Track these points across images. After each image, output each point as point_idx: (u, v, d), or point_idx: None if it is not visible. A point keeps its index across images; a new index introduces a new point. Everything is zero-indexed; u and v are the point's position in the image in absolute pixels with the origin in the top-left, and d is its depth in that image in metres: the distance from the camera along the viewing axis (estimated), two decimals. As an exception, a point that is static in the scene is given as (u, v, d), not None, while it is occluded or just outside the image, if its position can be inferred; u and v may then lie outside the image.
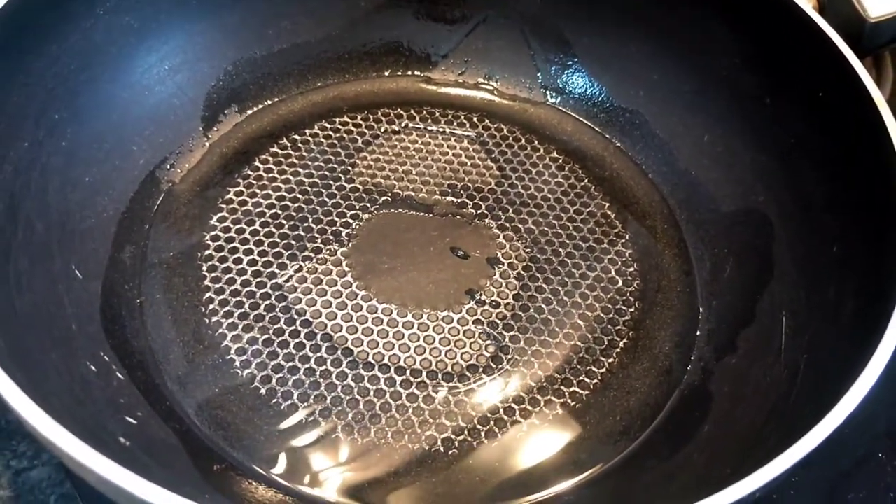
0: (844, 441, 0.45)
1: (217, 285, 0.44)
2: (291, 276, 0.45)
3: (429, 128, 0.53)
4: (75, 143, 0.44)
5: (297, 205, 0.48)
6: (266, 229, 0.47)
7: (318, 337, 0.43)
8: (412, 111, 0.54)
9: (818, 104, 0.44)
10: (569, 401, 0.42)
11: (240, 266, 0.45)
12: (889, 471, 0.45)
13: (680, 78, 0.52)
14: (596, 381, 0.43)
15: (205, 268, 0.45)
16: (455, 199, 0.50)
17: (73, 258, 0.42)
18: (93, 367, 0.38)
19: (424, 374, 0.42)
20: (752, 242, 0.46)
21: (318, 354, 0.42)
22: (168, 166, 0.49)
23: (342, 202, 0.49)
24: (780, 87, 0.47)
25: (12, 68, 0.40)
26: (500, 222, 0.49)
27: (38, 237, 0.40)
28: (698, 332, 0.45)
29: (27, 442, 0.46)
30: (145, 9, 0.47)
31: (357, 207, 0.48)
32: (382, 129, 0.53)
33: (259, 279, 0.45)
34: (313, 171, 0.50)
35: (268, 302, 0.44)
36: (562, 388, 0.42)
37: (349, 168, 0.50)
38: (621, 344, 0.44)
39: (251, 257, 0.46)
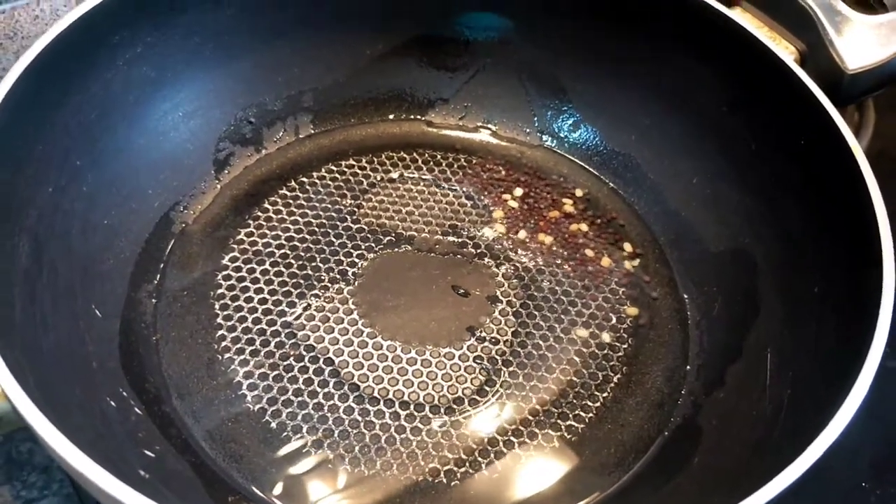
0: (830, 471, 0.47)
1: (229, 323, 0.46)
2: (300, 314, 0.47)
3: (431, 170, 0.56)
4: (95, 187, 0.45)
5: (305, 245, 0.50)
6: (275, 268, 0.49)
7: (326, 372, 0.45)
8: (415, 154, 0.57)
9: (800, 150, 0.46)
10: (565, 433, 0.44)
11: (250, 304, 0.47)
12: (873, 500, 0.47)
13: (670, 123, 0.54)
14: (591, 414, 0.45)
15: (217, 306, 0.47)
16: (456, 239, 0.52)
17: (94, 298, 0.43)
18: (112, 403, 0.40)
19: (427, 408, 0.44)
20: (739, 281, 0.48)
21: (326, 389, 0.44)
22: (181, 208, 0.51)
23: (348, 242, 0.51)
24: (764, 133, 0.49)
25: (39, 118, 0.42)
26: (498, 261, 0.51)
27: (61, 279, 0.41)
28: (688, 367, 0.47)
29: (37, 472, 0.47)
30: (162, 59, 0.49)
31: (362, 247, 0.51)
32: (386, 172, 0.55)
33: (269, 317, 0.47)
34: (320, 213, 0.52)
35: (277, 339, 0.46)
36: (558, 421, 0.44)
37: (355, 209, 0.53)
38: (615, 379, 0.46)
39: (261, 296, 0.48)
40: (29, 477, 0.46)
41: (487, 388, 0.45)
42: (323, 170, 0.55)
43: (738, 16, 0.50)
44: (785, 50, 0.50)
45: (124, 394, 0.41)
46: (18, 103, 0.40)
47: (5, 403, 0.33)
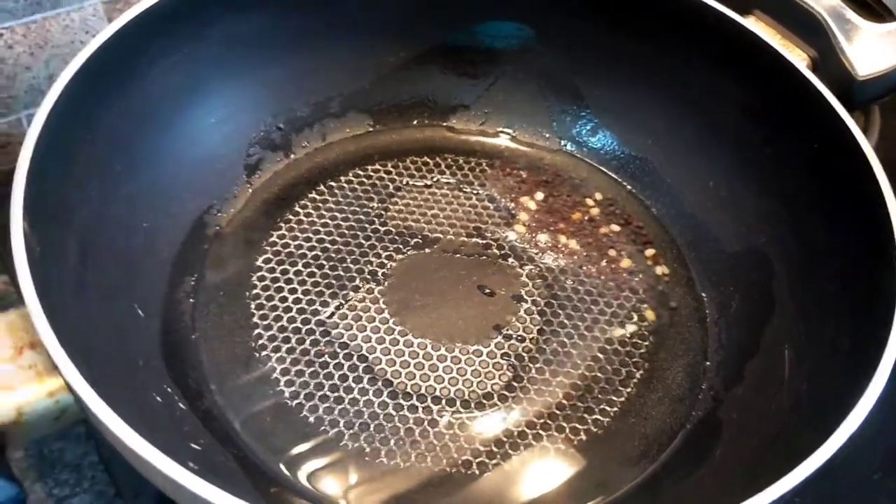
0: (843, 462, 0.49)
1: (265, 322, 0.48)
2: (333, 313, 0.48)
3: (454, 174, 0.57)
4: (135, 191, 0.47)
5: (335, 247, 0.52)
6: (308, 269, 0.51)
7: (360, 369, 0.46)
8: (438, 158, 0.58)
9: (814, 154, 0.48)
10: (591, 427, 0.45)
11: (285, 304, 0.49)
12: (885, 492, 0.49)
13: (686, 127, 0.56)
14: (615, 408, 0.46)
15: (252, 305, 0.48)
16: (480, 241, 0.53)
17: (135, 298, 0.45)
18: (158, 398, 0.41)
19: (458, 403, 0.45)
20: (756, 280, 0.50)
21: (360, 385, 0.46)
22: (215, 212, 0.52)
23: (377, 244, 0.52)
24: (778, 137, 0.51)
25: (83, 127, 0.43)
26: (522, 262, 0.53)
27: (105, 278, 0.43)
28: (708, 363, 0.49)
29: (68, 470, 0.49)
30: (196, 68, 0.51)
31: (391, 249, 0.52)
32: (411, 176, 0.57)
33: (303, 315, 0.48)
34: (349, 216, 0.54)
35: (312, 337, 0.47)
36: (584, 415, 0.46)
37: (382, 212, 0.54)
38: (637, 375, 0.48)
39: (295, 295, 0.49)
40: (60, 475, 0.48)
41: (515, 384, 0.47)
42: (350, 174, 0.56)
43: (752, 24, 0.52)
44: (797, 57, 0.51)
45: (168, 390, 0.42)
46: (65, 111, 0.41)
47: (68, 396, 0.34)
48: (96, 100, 0.44)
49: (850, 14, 0.52)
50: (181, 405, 0.42)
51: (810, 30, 0.53)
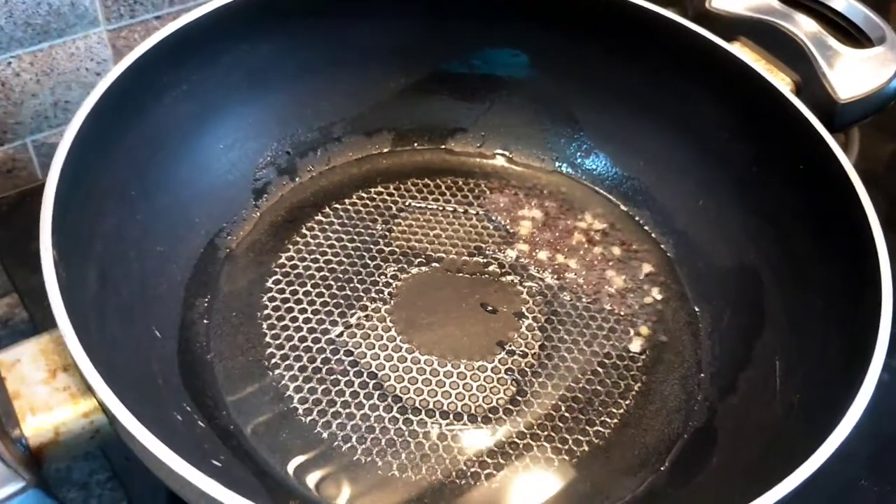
0: (830, 469, 0.51)
1: (277, 341, 0.49)
2: (342, 331, 0.50)
3: (454, 195, 0.59)
4: (148, 217, 0.48)
5: (342, 267, 0.54)
6: (316, 290, 0.52)
7: (370, 385, 0.48)
8: (438, 180, 0.60)
9: (799, 173, 0.50)
10: (593, 438, 0.47)
11: (295, 323, 0.50)
12: (871, 495, 0.51)
13: (676, 149, 0.58)
14: (615, 420, 0.48)
15: (264, 325, 0.50)
16: (482, 260, 0.55)
17: (153, 320, 0.47)
18: (179, 417, 0.43)
19: (465, 417, 0.47)
20: (746, 295, 0.52)
21: (371, 401, 0.47)
22: (225, 235, 0.54)
23: (382, 264, 0.54)
24: (765, 157, 0.53)
25: (100, 157, 0.45)
26: (522, 279, 0.55)
27: (124, 302, 0.44)
28: (702, 375, 0.51)
29: (77, 489, 0.50)
30: (204, 96, 0.53)
31: (395, 268, 0.54)
32: (413, 197, 0.59)
33: (313, 334, 0.50)
34: (354, 237, 0.56)
35: (323, 355, 0.49)
36: (586, 426, 0.48)
37: (386, 233, 0.56)
38: (636, 387, 0.50)
39: (305, 315, 0.51)
40: (69, 493, 0.49)
41: (519, 398, 0.49)
42: (354, 196, 0.58)
43: (738, 50, 0.54)
44: (781, 81, 0.54)
45: (188, 409, 0.44)
46: (85, 142, 0.42)
47: (102, 416, 0.36)
48: (113, 130, 0.46)
49: (832, 41, 0.55)
50: (200, 423, 0.44)
51: (794, 55, 0.55)
